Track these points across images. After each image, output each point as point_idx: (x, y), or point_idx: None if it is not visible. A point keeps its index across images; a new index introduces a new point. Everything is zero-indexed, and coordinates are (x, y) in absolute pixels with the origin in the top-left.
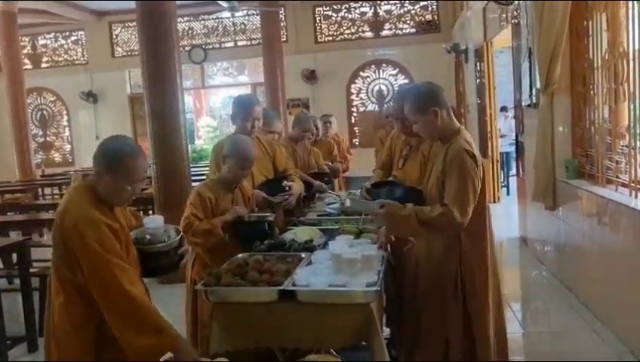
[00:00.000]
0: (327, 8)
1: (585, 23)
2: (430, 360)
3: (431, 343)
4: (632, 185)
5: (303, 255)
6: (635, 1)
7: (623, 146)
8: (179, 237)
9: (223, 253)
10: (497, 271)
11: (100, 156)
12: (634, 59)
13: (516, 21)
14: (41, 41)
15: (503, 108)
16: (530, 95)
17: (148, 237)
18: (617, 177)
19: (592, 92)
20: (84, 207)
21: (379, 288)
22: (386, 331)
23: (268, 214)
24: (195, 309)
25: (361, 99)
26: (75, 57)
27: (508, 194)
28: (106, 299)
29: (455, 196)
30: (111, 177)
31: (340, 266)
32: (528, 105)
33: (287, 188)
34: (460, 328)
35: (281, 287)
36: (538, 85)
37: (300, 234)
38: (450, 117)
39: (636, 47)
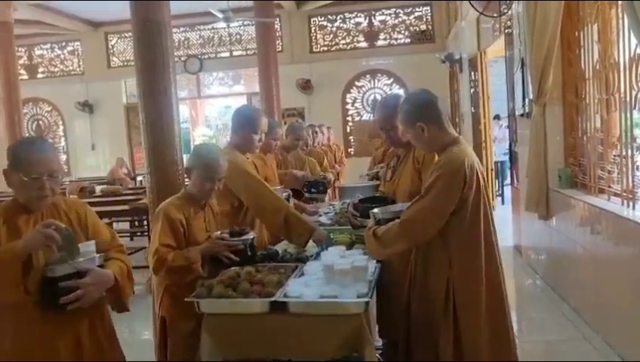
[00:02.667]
0: (322, 18)
1: (576, 33)
2: None
3: (421, 357)
4: (624, 194)
5: (295, 266)
6: (624, 13)
7: (615, 156)
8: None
9: (195, 282)
10: (499, 285)
11: (7, 156)
12: (625, 70)
13: (509, 31)
14: (38, 52)
15: (496, 117)
16: (523, 105)
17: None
18: (610, 187)
19: (583, 102)
20: None
21: (370, 299)
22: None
23: (250, 236)
24: (164, 347)
25: (356, 108)
26: (71, 67)
27: (503, 203)
28: None
29: (417, 202)
30: (14, 174)
31: (331, 277)
32: (521, 115)
33: None
34: (451, 344)
35: (273, 298)
36: (531, 95)
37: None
38: (442, 130)
39: (627, 57)
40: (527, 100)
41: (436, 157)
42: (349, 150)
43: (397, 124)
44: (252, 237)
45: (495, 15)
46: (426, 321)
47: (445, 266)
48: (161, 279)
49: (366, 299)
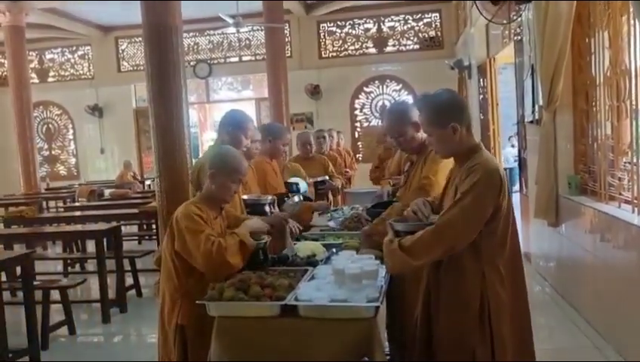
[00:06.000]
0: (332, 24)
1: (587, 40)
2: None
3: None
4: (635, 201)
5: (305, 269)
6: (636, 20)
7: (625, 163)
8: None
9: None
10: (525, 295)
11: None
12: (636, 77)
13: (519, 38)
14: (48, 56)
15: None
16: (533, 111)
17: None
18: (620, 194)
19: (594, 109)
20: None
21: (380, 303)
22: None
23: (263, 239)
24: (183, 356)
25: (365, 114)
26: (81, 72)
27: None
28: None
29: (455, 205)
30: None
31: (342, 281)
32: (531, 122)
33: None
34: (489, 349)
35: (283, 302)
36: (541, 102)
37: (302, 248)
38: (469, 133)
39: (638, 64)
40: (537, 107)
41: (442, 161)
42: (358, 156)
43: (405, 130)
44: (264, 241)
45: (504, 22)
46: (460, 330)
47: (479, 277)
48: (179, 286)
49: (377, 304)
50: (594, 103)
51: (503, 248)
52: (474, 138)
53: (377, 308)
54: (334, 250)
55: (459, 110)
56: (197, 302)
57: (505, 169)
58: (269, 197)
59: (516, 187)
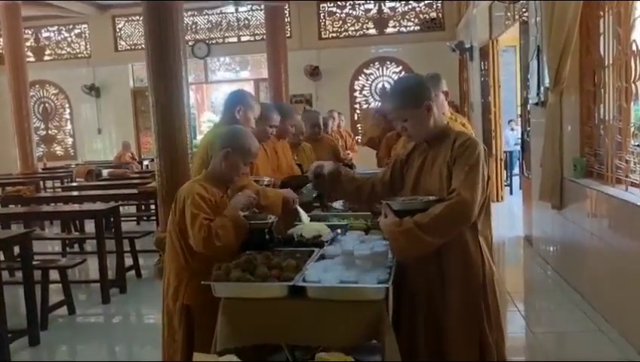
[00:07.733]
0: (332, 5)
1: (596, 20)
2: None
3: (465, 345)
4: None
5: (312, 250)
6: None
7: (634, 145)
8: None
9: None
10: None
11: None
12: None
13: (524, 19)
14: (45, 34)
15: None
16: (538, 93)
17: None
18: (627, 177)
19: (602, 90)
20: None
21: (390, 285)
22: None
23: (270, 219)
24: (189, 336)
25: (364, 96)
26: (78, 50)
27: (511, 193)
28: None
29: (465, 180)
30: None
31: (351, 262)
32: (536, 104)
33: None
34: (491, 326)
35: (292, 283)
36: (547, 83)
37: (307, 229)
38: (440, 112)
39: None
40: (542, 88)
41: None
42: (357, 138)
43: None
44: (271, 221)
45: (509, 1)
46: (470, 304)
47: (478, 248)
48: (185, 265)
49: (387, 285)
50: (602, 84)
51: (488, 217)
52: (442, 117)
53: (387, 289)
54: (339, 230)
55: (427, 89)
56: (202, 283)
57: (505, 152)
58: (266, 179)
59: (516, 170)
